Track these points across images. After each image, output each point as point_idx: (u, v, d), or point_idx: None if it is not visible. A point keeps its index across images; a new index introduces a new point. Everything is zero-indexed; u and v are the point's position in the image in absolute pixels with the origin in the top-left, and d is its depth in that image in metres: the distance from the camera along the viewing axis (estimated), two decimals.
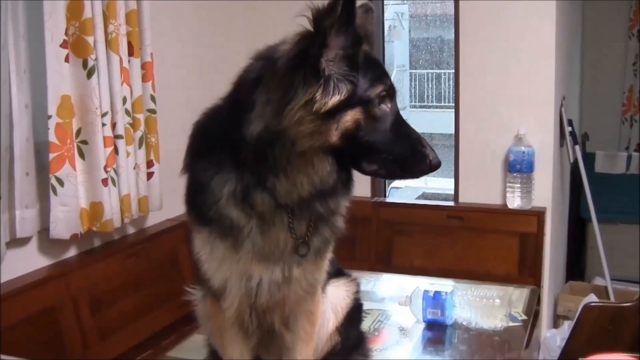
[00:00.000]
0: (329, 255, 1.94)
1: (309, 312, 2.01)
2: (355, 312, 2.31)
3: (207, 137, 1.81)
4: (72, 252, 2.92)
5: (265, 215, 1.73)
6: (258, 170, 1.66)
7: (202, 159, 1.79)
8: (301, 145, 1.59)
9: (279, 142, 1.58)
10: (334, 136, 1.59)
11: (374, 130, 1.62)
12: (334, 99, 1.56)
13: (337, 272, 2.23)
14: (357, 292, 2.32)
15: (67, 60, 2.67)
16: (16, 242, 2.63)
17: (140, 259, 3.14)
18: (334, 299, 2.19)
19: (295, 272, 1.82)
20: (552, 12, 3.71)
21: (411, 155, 1.65)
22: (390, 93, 1.66)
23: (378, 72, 1.65)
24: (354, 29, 1.58)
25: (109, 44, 2.84)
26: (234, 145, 1.67)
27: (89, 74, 2.73)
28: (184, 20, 3.69)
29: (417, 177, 1.75)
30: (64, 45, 2.64)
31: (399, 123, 1.66)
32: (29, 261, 2.72)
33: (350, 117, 1.59)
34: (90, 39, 2.71)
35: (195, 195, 1.82)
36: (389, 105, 1.65)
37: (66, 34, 2.65)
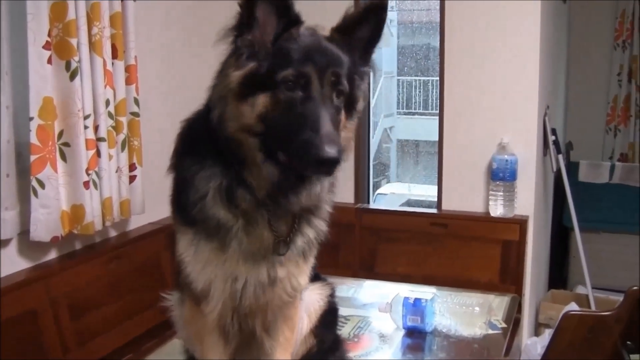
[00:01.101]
0: (312, 260, 1.95)
1: (289, 317, 2.01)
2: (329, 315, 2.30)
3: (193, 136, 1.84)
4: (52, 255, 2.90)
5: (248, 214, 1.74)
6: (235, 164, 1.70)
7: (188, 157, 1.81)
8: (228, 127, 1.66)
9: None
10: (252, 119, 1.63)
11: (279, 115, 1.62)
12: (237, 73, 1.64)
13: (313, 277, 2.24)
14: (332, 295, 2.31)
15: (49, 61, 2.64)
16: None
17: (121, 262, 3.11)
18: (307, 302, 2.19)
19: (279, 272, 1.82)
20: (537, 21, 3.73)
21: (305, 148, 1.55)
22: (300, 80, 1.62)
23: (295, 57, 1.64)
24: (286, 10, 1.66)
25: (93, 46, 2.83)
26: (217, 142, 1.70)
27: (72, 76, 2.71)
28: (169, 22, 3.67)
29: (313, 173, 1.64)
30: (46, 46, 2.62)
31: (307, 113, 1.60)
32: (8, 263, 2.69)
33: (261, 100, 1.63)
34: (73, 41, 2.70)
35: (181, 194, 1.83)
36: (300, 92, 1.62)
37: (49, 35, 2.63)
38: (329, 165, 1.53)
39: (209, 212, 1.75)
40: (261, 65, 1.64)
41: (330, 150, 1.50)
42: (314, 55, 1.65)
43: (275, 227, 1.77)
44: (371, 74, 1.87)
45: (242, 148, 1.67)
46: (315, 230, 1.86)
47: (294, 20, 1.68)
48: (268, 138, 1.63)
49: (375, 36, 1.78)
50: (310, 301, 2.20)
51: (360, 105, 1.79)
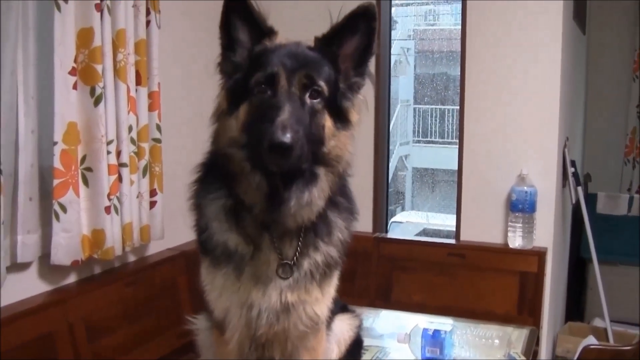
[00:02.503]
0: (331, 290, 1.94)
1: (312, 348, 1.99)
2: (356, 346, 2.32)
3: (209, 164, 1.88)
4: (71, 279, 2.92)
5: (254, 238, 1.78)
6: (230, 181, 1.75)
7: (201, 184, 1.88)
8: (219, 143, 1.74)
9: None
10: (236, 131, 1.68)
11: (254, 119, 1.66)
12: (223, 92, 1.75)
13: (341, 308, 2.24)
14: (359, 326, 2.33)
15: (75, 87, 2.68)
16: (16, 266, 2.63)
17: (139, 287, 3.13)
18: (337, 331, 2.20)
19: (289, 297, 1.82)
20: (557, 52, 3.74)
21: (262, 138, 1.57)
22: (269, 82, 1.66)
23: (267, 62, 1.68)
24: (254, 23, 1.74)
25: (117, 72, 2.86)
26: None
27: (96, 102, 2.75)
28: (192, 49, 3.71)
29: (269, 162, 1.59)
30: (72, 72, 2.66)
31: (270, 108, 1.62)
32: (28, 286, 2.72)
33: (242, 110, 1.68)
34: (99, 67, 2.73)
35: (198, 222, 1.88)
36: (269, 93, 1.66)
37: (75, 61, 2.67)
38: (280, 150, 1.53)
39: (217, 238, 1.80)
40: (240, 78, 1.72)
41: (279, 135, 1.51)
42: (285, 58, 1.68)
43: (280, 249, 1.79)
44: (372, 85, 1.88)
45: (232, 162, 1.71)
46: (323, 254, 1.84)
47: (267, 31, 1.76)
48: (250, 145, 1.66)
49: (367, 46, 1.79)
50: (340, 331, 2.21)
51: (353, 116, 1.79)
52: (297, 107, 1.63)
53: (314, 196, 1.71)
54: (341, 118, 1.75)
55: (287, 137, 1.51)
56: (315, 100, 1.68)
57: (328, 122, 1.71)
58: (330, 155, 1.73)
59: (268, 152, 1.53)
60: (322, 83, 1.69)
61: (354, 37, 1.77)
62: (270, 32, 1.77)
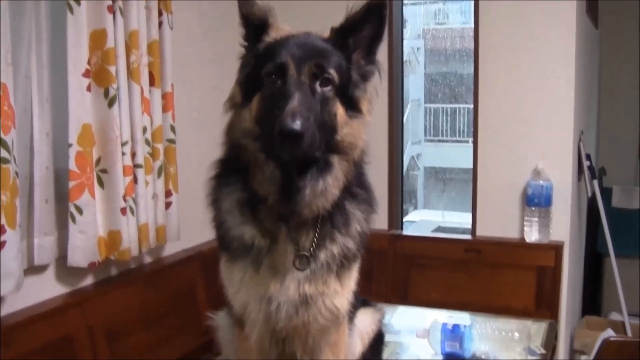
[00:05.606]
0: (351, 283, 1.93)
1: (334, 343, 1.99)
2: (378, 340, 2.33)
3: (225, 161, 1.90)
4: (89, 281, 2.91)
5: (271, 230, 1.78)
6: (244, 173, 1.76)
7: (218, 179, 1.90)
8: (234, 134, 1.77)
9: None
10: (250, 122, 1.71)
11: (266, 109, 1.67)
12: (237, 86, 1.77)
13: (363, 303, 2.24)
14: (381, 320, 2.33)
15: (89, 89, 2.68)
16: (34, 269, 2.62)
17: (156, 288, 3.12)
18: (360, 325, 2.20)
19: (307, 289, 1.82)
20: (571, 46, 3.72)
21: (273, 127, 1.57)
22: (279, 72, 1.67)
23: (276, 53, 1.69)
24: (251, 22, 1.79)
25: (131, 73, 2.86)
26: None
27: (110, 103, 2.74)
28: (204, 49, 3.72)
29: (281, 149, 1.59)
30: (86, 74, 2.66)
31: (281, 97, 1.63)
32: (46, 289, 2.71)
33: (255, 101, 1.70)
34: (112, 69, 2.73)
35: (216, 217, 1.90)
36: (279, 83, 1.67)
37: (89, 63, 2.67)
38: (290, 138, 1.53)
39: (233, 232, 1.81)
40: (249, 72, 1.76)
41: (289, 123, 1.52)
42: (294, 48, 1.70)
43: (296, 241, 1.79)
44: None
45: (246, 153, 1.73)
46: (340, 246, 1.84)
47: (259, 25, 1.79)
48: (262, 135, 1.67)
49: (377, 35, 1.80)
50: (364, 325, 2.21)
51: (364, 105, 1.79)
52: (307, 95, 1.64)
53: (329, 184, 1.72)
54: (353, 107, 1.77)
55: (297, 124, 1.52)
56: (326, 89, 1.69)
57: (340, 109, 1.72)
58: (344, 143, 1.74)
59: (279, 140, 1.54)
60: (332, 71, 1.70)
61: (365, 27, 1.78)
62: (263, 26, 1.79)
